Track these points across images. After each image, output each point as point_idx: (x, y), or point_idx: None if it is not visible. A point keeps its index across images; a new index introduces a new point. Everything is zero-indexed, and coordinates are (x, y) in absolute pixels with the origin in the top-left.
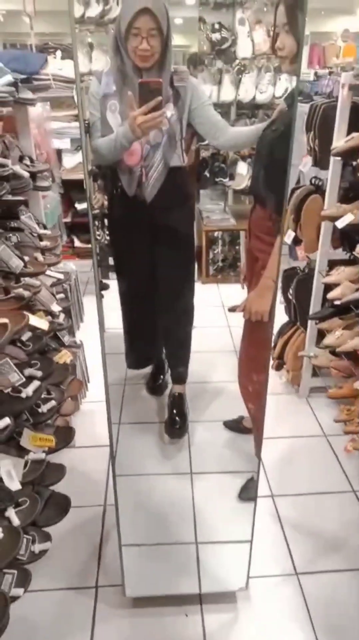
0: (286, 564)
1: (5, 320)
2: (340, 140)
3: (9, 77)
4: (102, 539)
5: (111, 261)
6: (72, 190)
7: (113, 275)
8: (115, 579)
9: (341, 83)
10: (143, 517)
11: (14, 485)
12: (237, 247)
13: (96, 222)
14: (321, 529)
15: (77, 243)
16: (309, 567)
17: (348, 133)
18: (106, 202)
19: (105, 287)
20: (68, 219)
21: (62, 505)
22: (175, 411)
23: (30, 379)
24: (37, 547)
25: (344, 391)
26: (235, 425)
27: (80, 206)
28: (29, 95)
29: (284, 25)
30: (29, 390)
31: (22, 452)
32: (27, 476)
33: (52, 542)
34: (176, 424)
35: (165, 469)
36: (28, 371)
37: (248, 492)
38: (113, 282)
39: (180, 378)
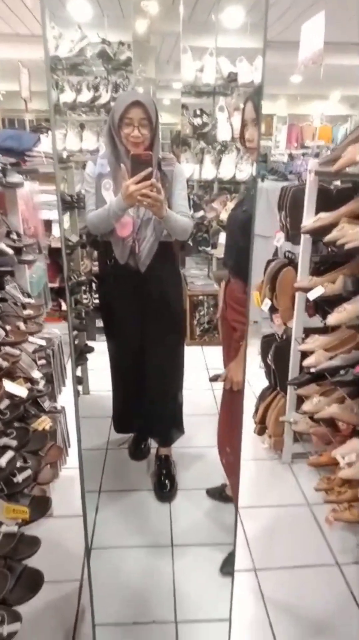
0: None
1: None
2: (309, 220)
3: None
4: (77, 617)
5: (97, 324)
6: (60, 257)
7: (99, 337)
8: None
9: (308, 169)
10: (120, 593)
11: None
12: None
13: (84, 287)
14: (305, 607)
15: (64, 306)
16: None
17: (316, 213)
18: (94, 268)
19: (89, 350)
20: (56, 284)
21: (34, 582)
22: (164, 472)
23: (4, 448)
24: (5, 629)
25: (323, 459)
26: (217, 494)
27: (64, 264)
28: (16, 179)
29: (252, 120)
30: (2, 462)
31: None
32: None
33: (22, 622)
34: (165, 487)
35: (145, 541)
36: (3, 440)
37: (230, 566)
38: (98, 344)
39: (168, 441)
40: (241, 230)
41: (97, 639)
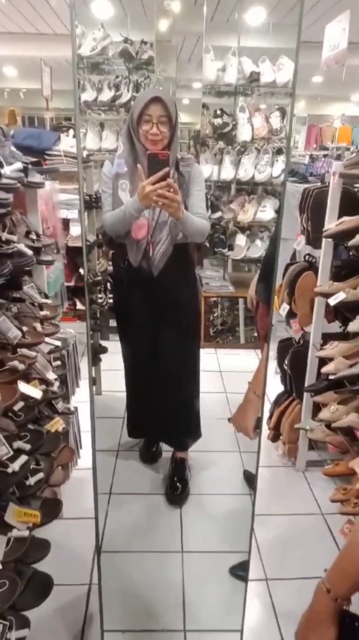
0: None
1: None
2: (331, 224)
3: (18, 165)
4: (85, 623)
5: (111, 323)
6: (77, 256)
7: (113, 337)
8: None
9: (332, 171)
10: (129, 599)
11: None
12: (236, 312)
13: (99, 287)
14: None
15: (79, 305)
16: None
17: (339, 217)
18: (109, 268)
19: (103, 350)
20: (72, 283)
21: (44, 586)
22: (176, 477)
23: (18, 452)
24: (13, 635)
25: (340, 469)
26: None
27: (84, 271)
28: (37, 179)
29: None
30: (15, 466)
31: (5, 527)
32: (9, 555)
33: (30, 628)
34: (177, 490)
35: (155, 546)
36: (17, 444)
37: (242, 572)
38: (112, 344)
39: (184, 446)
40: None
41: None
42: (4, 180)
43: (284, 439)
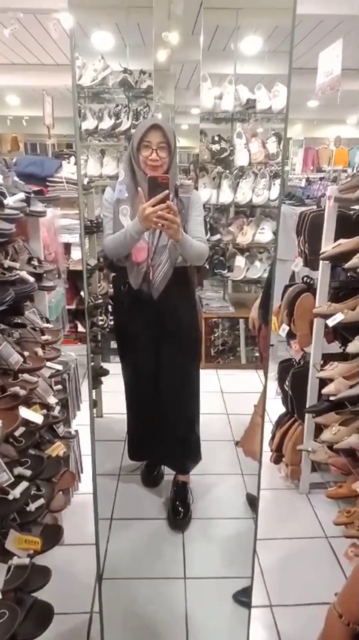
0: None
1: None
2: (328, 246)
3: (21, 195)
4: None
5: (112, 345)
6: (78, 279)
7: (114, 359)
8: None
9: (328, 195)
10: (131, 627)
11: None
12: (236, 332)
13: (100, 309)
14: None
15: (80, 328)
16: None
17: (335, 239)
18: (110, 290)
19: (104, 372)
20: (73, 306)
21: (44, 616)
22: (178, 501)
23: (19, 478)
24: None
25: (343, 491)
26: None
27: (85, 295)
28: (39, 208)
29: None
30: (16, 492)
31: (5, 555)
32: (9, 583)
33: None
34: (179, 514)
35: (158, 572)
36: (18, 470)
37: (245, 597)
38: (113, 366)
39: (185, 469)
40: None
41: None
42: (7, 211)
43: (287, 460)
